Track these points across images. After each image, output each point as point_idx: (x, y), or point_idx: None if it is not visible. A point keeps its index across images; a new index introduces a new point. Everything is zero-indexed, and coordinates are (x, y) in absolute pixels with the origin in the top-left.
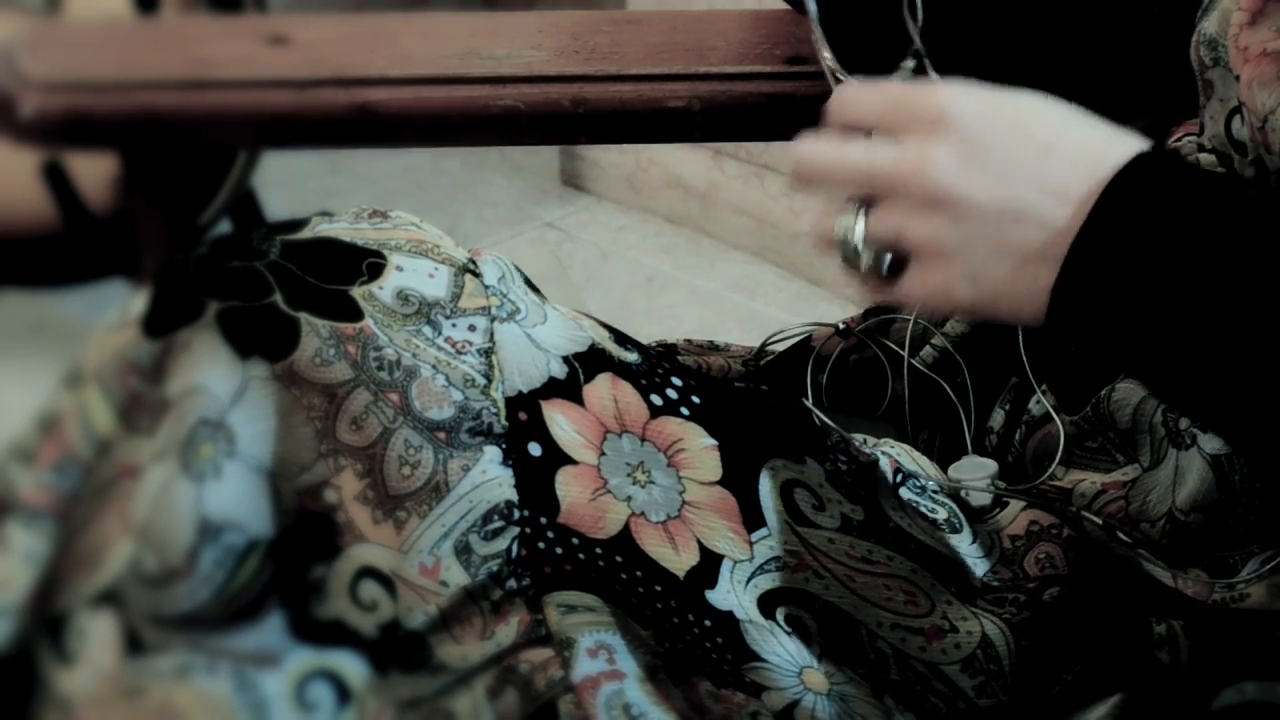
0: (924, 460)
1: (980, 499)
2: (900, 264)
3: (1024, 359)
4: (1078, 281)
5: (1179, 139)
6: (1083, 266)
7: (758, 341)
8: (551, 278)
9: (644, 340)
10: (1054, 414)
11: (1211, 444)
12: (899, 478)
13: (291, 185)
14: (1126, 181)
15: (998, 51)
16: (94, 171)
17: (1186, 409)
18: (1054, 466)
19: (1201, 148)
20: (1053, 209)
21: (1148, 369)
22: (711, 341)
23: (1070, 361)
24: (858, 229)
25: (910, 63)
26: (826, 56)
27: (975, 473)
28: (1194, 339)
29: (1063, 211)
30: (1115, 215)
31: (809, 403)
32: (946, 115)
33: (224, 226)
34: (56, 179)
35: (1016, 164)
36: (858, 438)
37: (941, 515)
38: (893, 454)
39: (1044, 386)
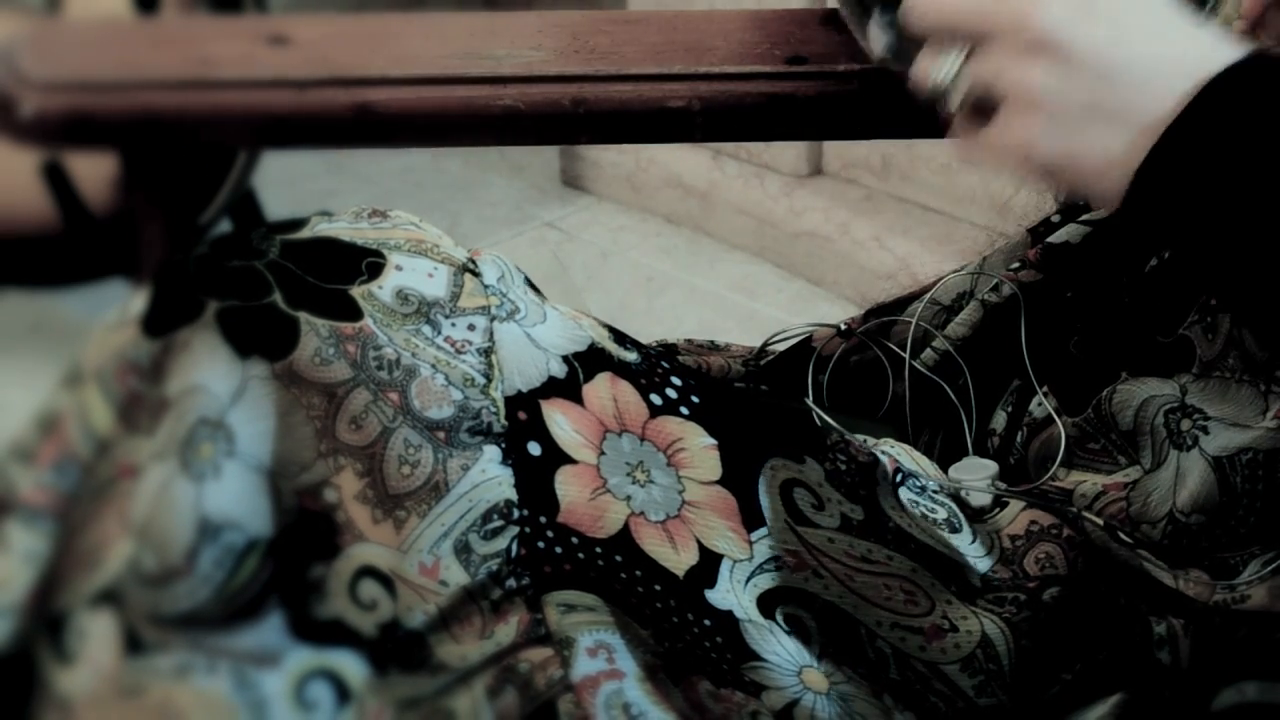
0: (924, 460)
1: (980, 499)
2: (990, 112)
3: (1026, 361)
4: (1169, 162)
5: None
6: (1179, 148)
7: (758, 341)
8: (551, 278)
9: (644, 340)
10: (1055, 416)
11: (1213, 445)
12: (899, 477)
13: (291, 185)
14: (1237, 74)
15: None
16: (94, 171)
17: (1241, 305)
18: (1055, 468)
19: None
20: (1166, 78)
21: (1215, 259)
22: (712, 341)
23: (1072, 363)
24: (953, 69)
25: None
26: None
27: (976, 473)
28: (1269, 235)
29: (1175, 84)
30: (1224, 103)
31: (810, 402)
32: None
33: (224, 226)
34: (56, 179)
35: (1136, 25)
36: (858, 438)
37: (941, 515)
38: (893, 454)
39: (1045, 388)
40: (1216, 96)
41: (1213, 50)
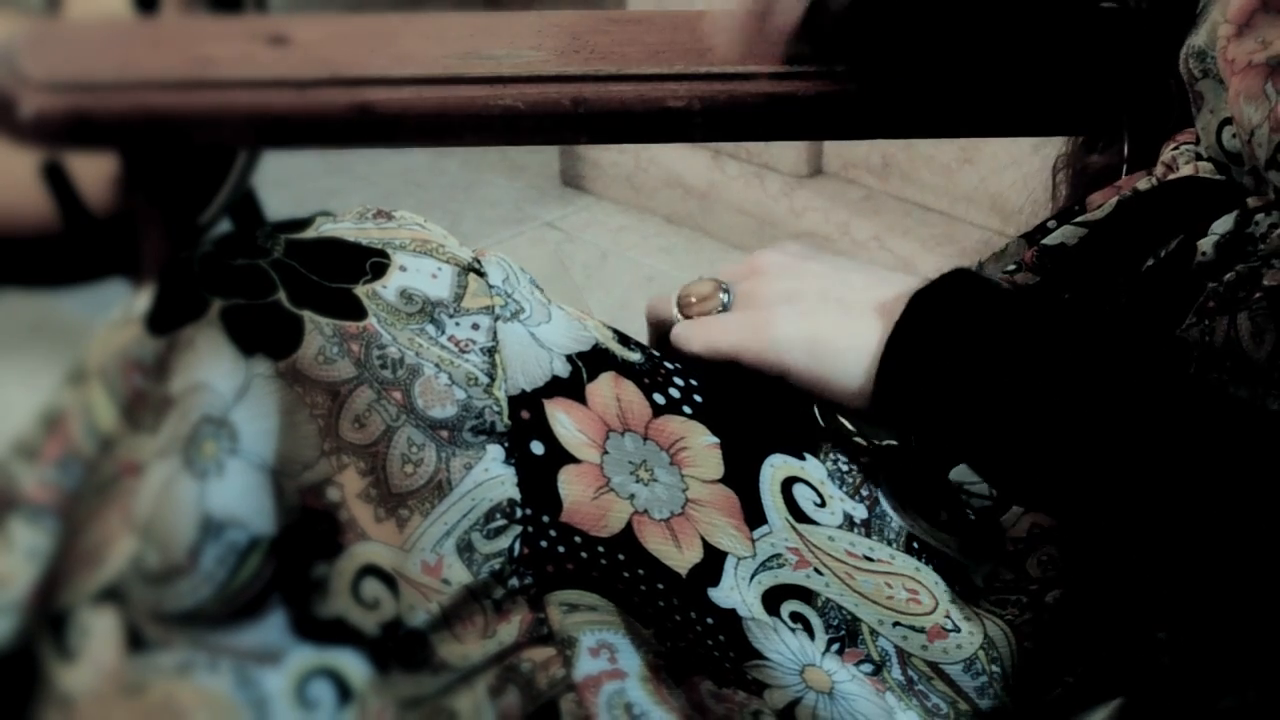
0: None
1: (982, 501)
2: None
3: None
4: (911, 336)
5: (1176, 147)
6: (917, 322)
7: None
8: (552, 278)
9: (645, 339)
10: None
11: None
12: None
13: (291, 185)
14: (950, 278)
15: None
16: (94, 171)
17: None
18: None
19: (1199, 156)
20: (885, 284)
21: (959, 432)
22: None
23: None
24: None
25: None
26: None
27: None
28: (1012, 405)
29: (896, 286)
30: (947, 291)
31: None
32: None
33: (224, 226)
34: (56, 179)
35: (845, 261)
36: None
37: (944, 515)
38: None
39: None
40: (947, 284)
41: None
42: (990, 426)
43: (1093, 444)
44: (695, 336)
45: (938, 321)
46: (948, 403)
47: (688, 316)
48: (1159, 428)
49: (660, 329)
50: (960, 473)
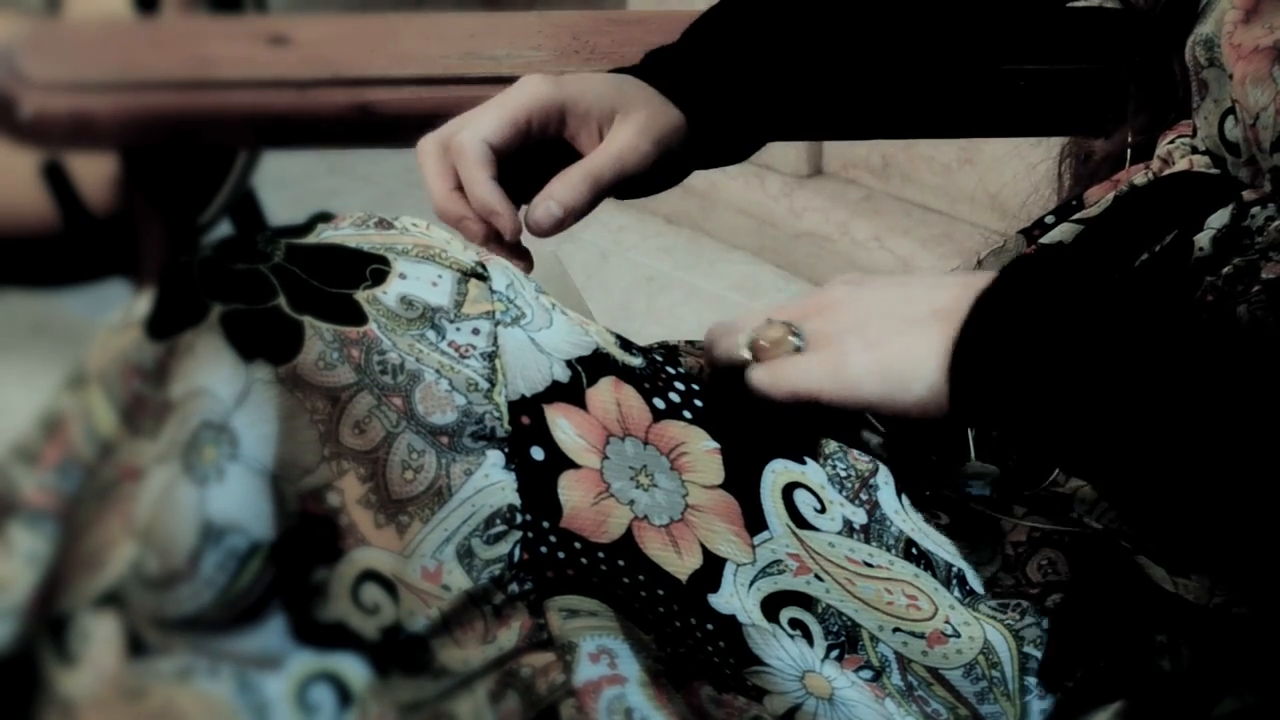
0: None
1: (983, 507)
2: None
3: None
4: (978, 337)
5: (1171, 140)
6: (984, 321)
7: None
8: (551, 278)
9: (645, 341)
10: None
11: None
12: (898, 484)
13: (292, 185)
14: (1021, 264)
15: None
16: (94, 171)
17: (1077, 466)
18: (1055, 473)
19: (1195, 149)
20: (945, 288)
21: (1041, 427)
22: None
23: None
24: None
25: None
26: None
27: (974, 468)
28: (1089, 396)
29: (956, 287)
30: (1013, 283)
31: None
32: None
33: (224, 227)
34: (56, 179)
35: (905, 279)
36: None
37: (944, 519)
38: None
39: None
40: (1012, 277)
41: (978, 275)
42: (1064, 414)
43: (1170, 420)
44: (778, 384)
45: (1001, 316)
46: (1020, 394)
47: (759, 360)
48: (1237, 394)
49: (724, 365)
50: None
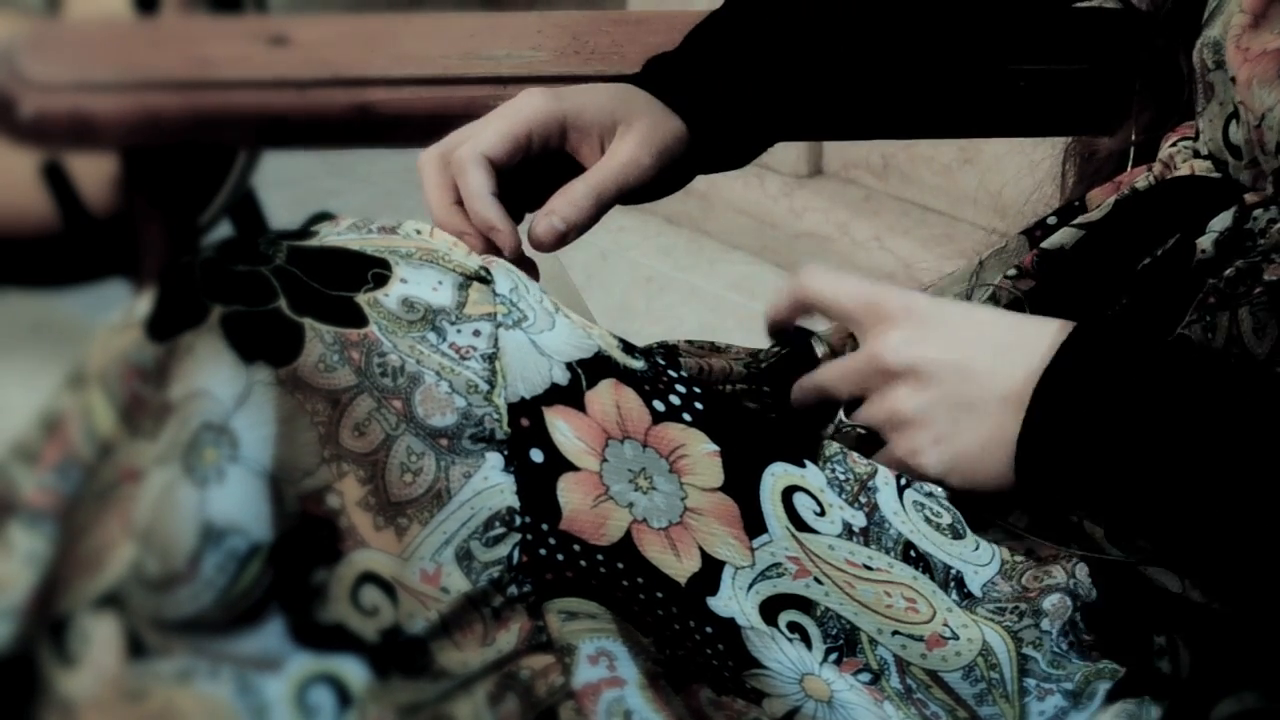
0: None
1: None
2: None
3: None
4: (1043, 425)
5: (1174, 143)
6: (1047, 409)
7: (758, 342)
8: (551, 278)
9: (644, 340)
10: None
11: None
12: (903, 479)
13: (292, 186)
14: (1079, 337)
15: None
16: (94, 171)
17: (1151, 539)
18: None
19: (1196, 153)
20: (1007, 363)
21: (1112, 504)
22: (713, 343)
23: None
24: (838, 419)
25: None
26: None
27: None
28: (1156, 476)
29: (1019, 364)
30: (1073, 363)
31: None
32: (907, 308)
33: (224, 227)
34: (56, 179)
35: (965, 331)
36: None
37: (946, 520)
38: None
39: None
40: (1071, 355)
41: (1043, 325)
42: (1128, 489)
43: (1226, 484)
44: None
45: (1065, 404)
46: (1085, 478)
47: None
48: None
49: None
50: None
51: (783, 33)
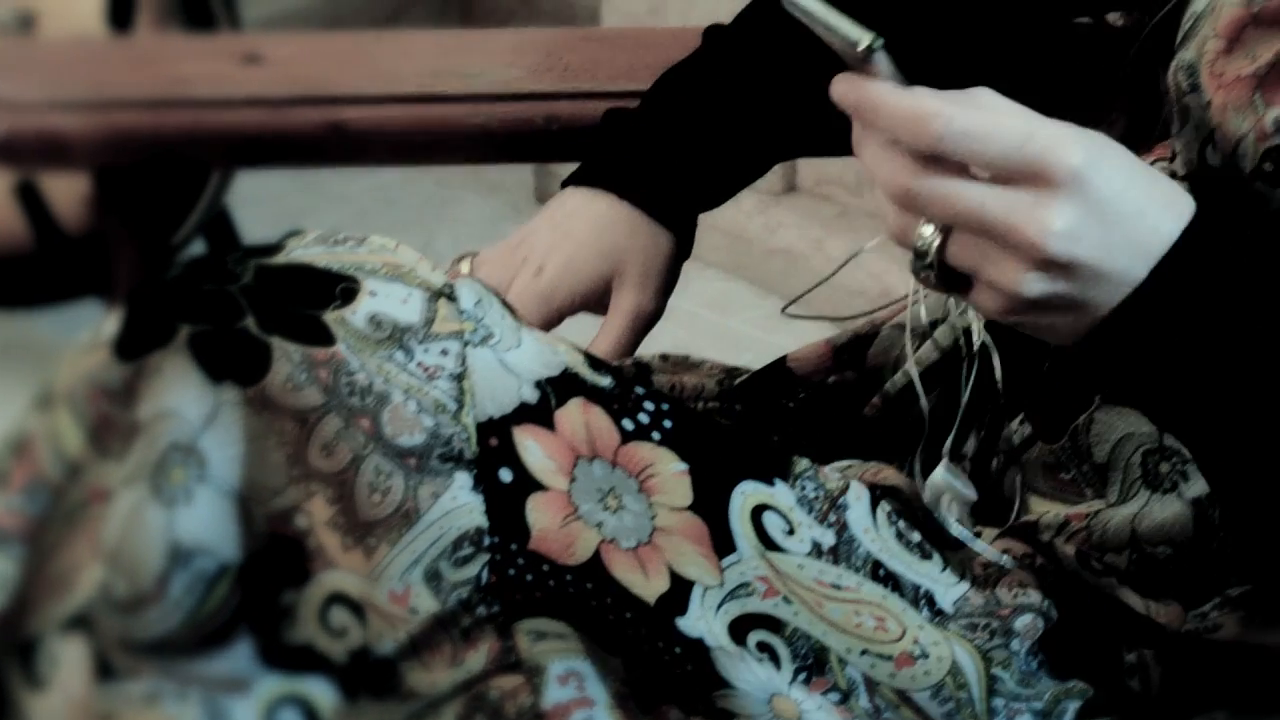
0: (901, 478)
1: (956, 528)
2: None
3: (998, 386)
4: (1124, 320)
5: (1151, 163)
6: (1130, 312)
7: (732, 359)
8: None
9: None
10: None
11: (1193, 490)
12: (877, 493)
13: (265, 204)
14: (1185, 245)
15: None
16: (67, 191)
17: (1185, 441)
18: (1029, 496)
19: (1174, 174)
20: (1139, 271)
21: (1159, 408)
22: (687, 357)
23: (1049, 388)
24: (935, 240)
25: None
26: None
27: (951, 487)
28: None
29: (1141, 270)
30: (1165, 284)
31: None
32: (1078, 178)
33: (198, 246)
34: (29, 198)
35: (1121, 230)
36: (836, 466)
37: (916, 538)
38: (867, 474)
39: (1021, 415)
40: (1170, 271)
41: (1180, 214)
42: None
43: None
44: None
45: (1154, 322)
46: (1155, 379)
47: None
48: None
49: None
50: (935, 485)
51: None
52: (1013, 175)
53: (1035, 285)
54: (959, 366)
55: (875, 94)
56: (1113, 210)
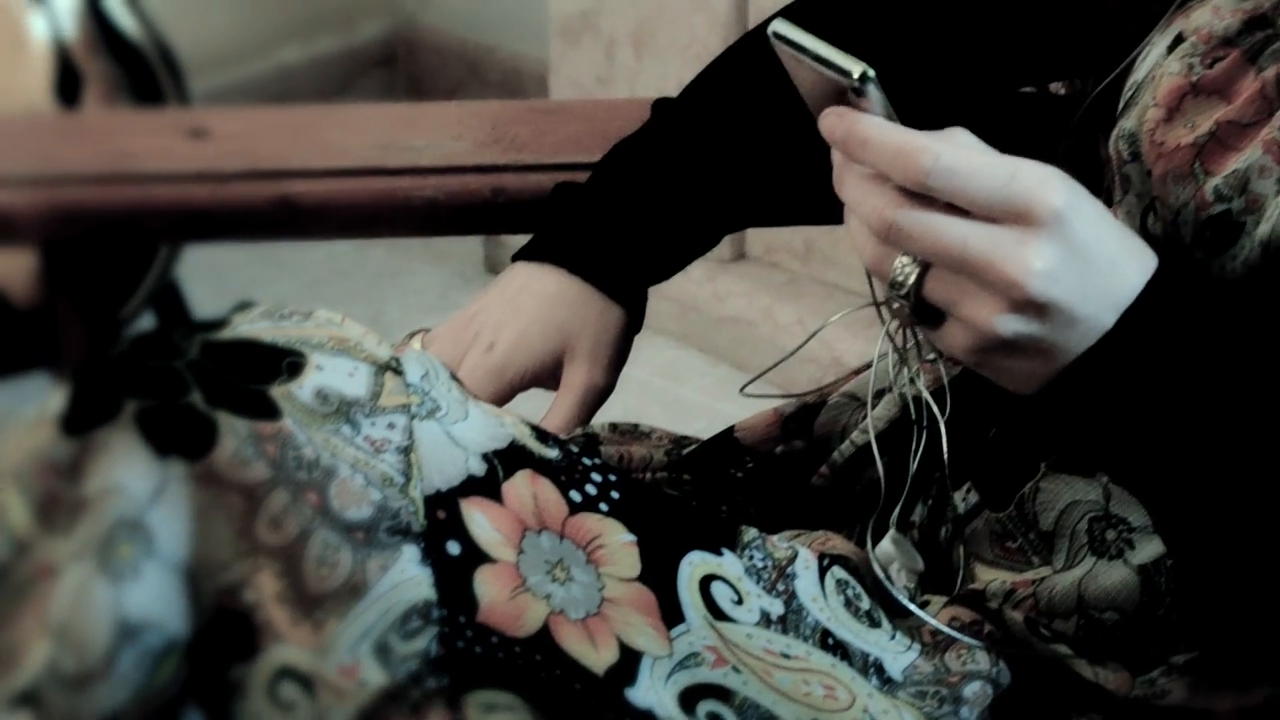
0: (849, 546)
1: (903, 599)
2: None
3: (944, 454)
4: (1089, 367)
5: None
6: (1096, 360)
7: (682, 427)
8: None
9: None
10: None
11: (1140, 556)
12: (825, 561)
13: (215, 275)
14: (1149, 297)
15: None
16: (14, 265)
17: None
18: (975, 564)
19: None
20: (1107, 318)
21: (1116, 458)
22: (635, 426)
23: (995, 457)
24: (911, 272)
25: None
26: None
27: (899, 557)
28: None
29: (1110, 318)
30: (1131, 333)
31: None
32: (1060, 219)
33: (147, 319)
34: None
35: (1095, 275)
36: (785, 535)
37: (865, 605)
38: (815, 543)
39: (968, 484)
40: (1135, 321)
41: (1143, 274)
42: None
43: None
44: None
45: (1109, 378)
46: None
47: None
48: None
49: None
50: (884, 552)
51: (701, 151)
52: (996, 213)
53: (1009, 324)
54: (907, 435)
55: (863, 127)
56: (1090, 254)
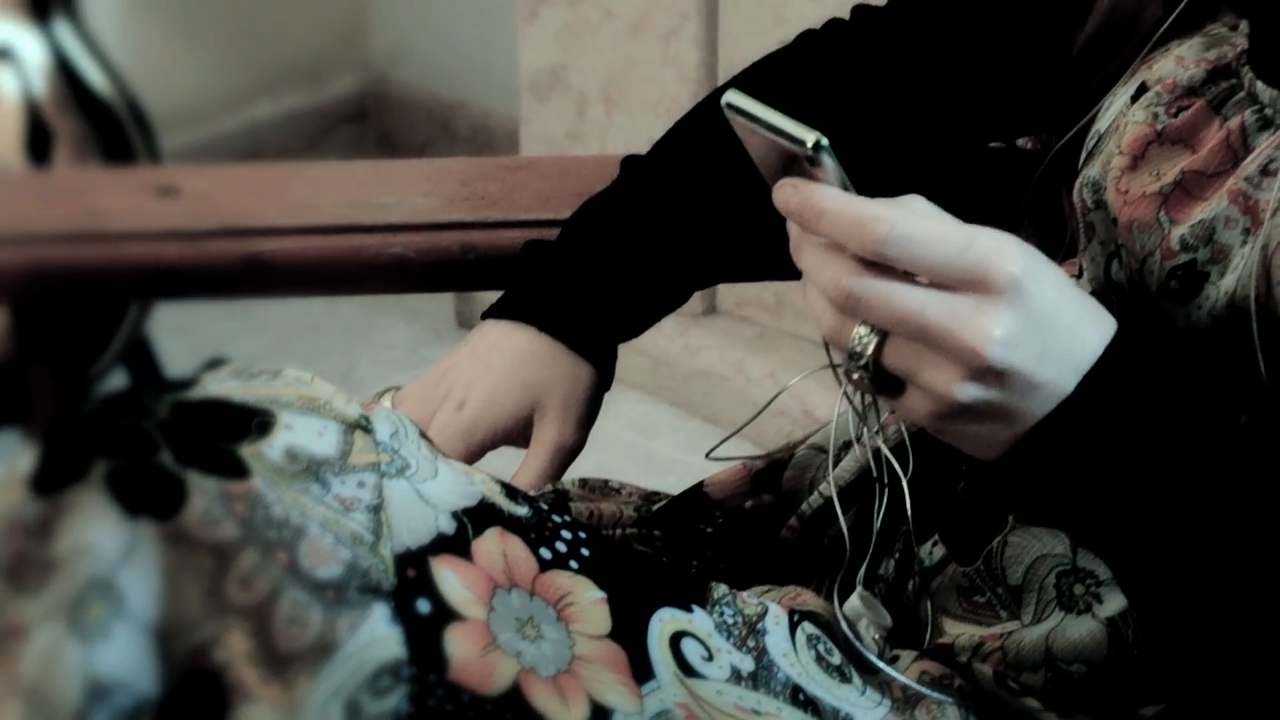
0: (819, 602)
1: (872, 649)
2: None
3: (908, 510)
4: (1050, 432)
5: None
6: (1056, 425)
7: (654, 482)
8: None
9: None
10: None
11: (1107, 610)
12: (795, 617)
13: (187, 332)
14: (1108, 361)
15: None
16: None
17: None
18: (943, 619)
19: None
20: (1068, 383)
21: (1078, 522)
22: (605, 482)
23: (963, 511)
24: (870, 350)
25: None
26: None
27: (870, 611)
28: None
29: (1070, 384)
30: (1092, 397)
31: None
32: (1017, 287)
33: (118, 376)
34: None
35: (1055, 341)
36: (755, 591)
37: (836, 660)
38: (785, 598)
39: (935, 537)
40: (1095, 385)
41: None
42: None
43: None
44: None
45: (1074, 440)
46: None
47: None
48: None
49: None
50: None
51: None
52: (953, 281)
53: (969, 391)
54: (873, 488)
55: (818, 198)
56: (1048, 320)
